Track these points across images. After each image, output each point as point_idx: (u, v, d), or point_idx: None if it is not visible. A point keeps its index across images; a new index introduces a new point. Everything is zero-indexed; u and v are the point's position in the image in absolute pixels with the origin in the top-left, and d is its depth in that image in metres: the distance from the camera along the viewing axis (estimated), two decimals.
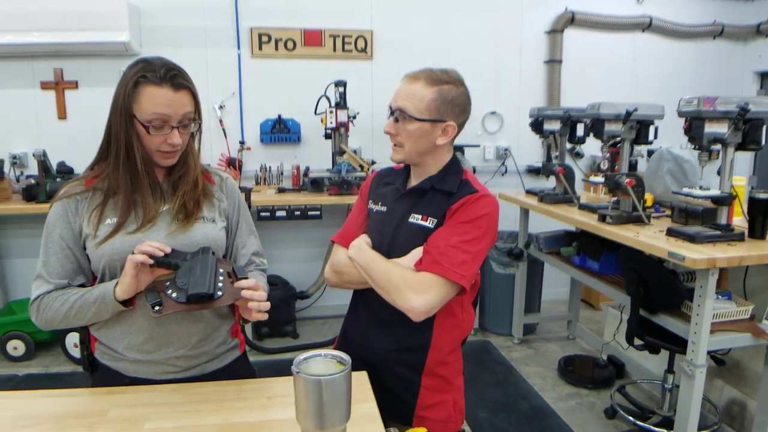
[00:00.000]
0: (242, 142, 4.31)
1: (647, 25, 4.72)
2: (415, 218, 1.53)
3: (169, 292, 1.26)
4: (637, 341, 2.80)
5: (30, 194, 3.63)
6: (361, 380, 1.42)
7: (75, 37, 3.73)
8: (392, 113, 1.52)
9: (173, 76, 1.38)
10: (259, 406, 1.35)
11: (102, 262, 1.41)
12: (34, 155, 3.65)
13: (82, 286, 1.44)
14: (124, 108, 1.37)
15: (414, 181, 1.61)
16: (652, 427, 2.88)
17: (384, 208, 1.63)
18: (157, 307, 1.25)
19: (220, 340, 1.57)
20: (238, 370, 1.61)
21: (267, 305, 1.35)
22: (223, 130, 4.29)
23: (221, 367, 1.58)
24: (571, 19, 4.56)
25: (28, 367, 3.71)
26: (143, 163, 1.42)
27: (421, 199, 1.56)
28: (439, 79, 1.48)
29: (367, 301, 1.60)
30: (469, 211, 1.48)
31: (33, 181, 3.70)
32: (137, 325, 1.45)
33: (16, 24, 3.67)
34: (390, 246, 1.54)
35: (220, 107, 4.27)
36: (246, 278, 1.34)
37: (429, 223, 1.51)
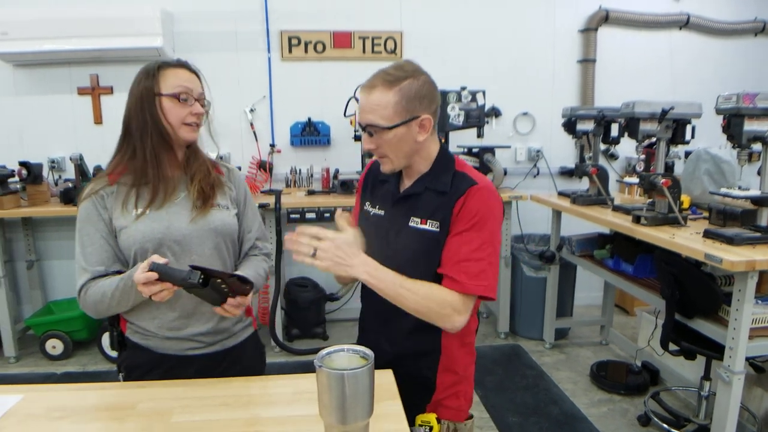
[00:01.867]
0: (272, 145, 4.35)
1: (684, 23, 4.61)
2: (415, 222, 1.51)
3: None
4: (673, 347, 2.73)
5: (67, 197, 3.71)
6: (386, 378, 1.41)
7: (110, 43, 3.81)
8: (364, 130, 1.47)
9: (185, 63, 1.58)
10: (284, 401, 1.35)
11: (133, 248, 1.51)
12: (71, 159, 3.75)
13: (119, 273, 1.51)
14: (147, 92, 1.51)
15: (407, 182, 1.58)
16: None
17: (382, 212, 1.61)
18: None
19: (237, 318, 1.67)
20: (252, 345, 1.77)
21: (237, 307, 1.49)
22: (254, 133, 4.33)
23: (237, 343, 1.69)
24: (606, 18, 4.49)
25: (65, 365, 3.80)
26: (155, 152, 1.53)
27: (417, 202, 1.52)
28: (396, 78, 1.42)
29: (376, 307, 1.59)
30: (474, 205, 1.44)
31: (70, 185, 3.81)
32: (166, 305, 1.53)
33: (54, 31, 3.76)
34: (394, 252, 1.50)
35: (251, 110, 4.32)
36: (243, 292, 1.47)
37: (431, 226, 1.48)
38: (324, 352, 1.08)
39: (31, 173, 3.69)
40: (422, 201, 1.51)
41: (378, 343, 1.54)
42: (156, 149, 1.53)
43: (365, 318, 1.73)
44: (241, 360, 1.68)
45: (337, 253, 1.37)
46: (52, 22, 3.76)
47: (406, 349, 1.57)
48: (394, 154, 1.47)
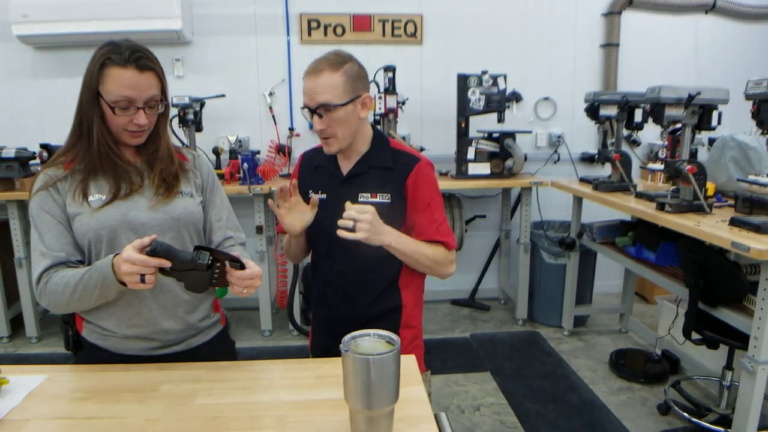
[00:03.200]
0: (291, 129, 4.33)
1: (711, 7, 4.51)
2: (365, 197, 1.68)
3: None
4: (695, 336, 2.70)
5: None
6: (409, 363, 1.40)
7: (130, 25, 3.80)
8: (313, 112, 1.59)
9: (138, 58, 1.39)
10: (307, 385, 1.35)
11: (87, 236, 1.43)
12: None
13: (80, 263, 1.45)
14: (91, 88, 1.41)
15: (345, 163, 1.73)
16: (708, 425, 2.77)
17: (324, 195, 1.73)
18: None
19: (203, 313, 1.60)
20: (222, 343, 1.68)
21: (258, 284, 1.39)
22: (273, 116, 4.32)
23: (206, 341, 1.62)
24: (630, 1, 4.39)
25: None
26: (106, 141, 1.44)
27: (363, 180, 1.69)
28: (338, 61, 1.57)
29: (338, 280, 1.75)
30: (425, 183, 1.69)
31: None
32: (124, 299, 1.46)
33: (74, 14, 3.77)
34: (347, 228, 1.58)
35: (270, 94, 4.30)
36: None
37: (381, 198, 1.68)
38: (349, 336, 1.07)
39: (52, 155, 3.70)
40: (368, 178, 1.69)
41: (339, 312, 1.75)
42: (108, 143, 1.44)
43: (324, 293, 1.81)
44: (210, 359, 1.52)
45: (374, 224, 1.51)
46: (72, 4, 3.76)
47: (369, 313, 1.72)
48: (342, 132, 1.61)
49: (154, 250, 1.24)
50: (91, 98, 1.41)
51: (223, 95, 4.05)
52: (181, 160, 1.60)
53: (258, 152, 4.06)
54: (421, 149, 4.12)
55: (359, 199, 1.66)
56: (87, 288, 1.35)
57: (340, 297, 1.75)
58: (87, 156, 1.45)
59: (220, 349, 1.64)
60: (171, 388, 1.34)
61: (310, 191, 1.75)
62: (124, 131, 1.44)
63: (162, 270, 1.27)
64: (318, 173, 1.78)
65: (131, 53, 1.39)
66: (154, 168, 1.51)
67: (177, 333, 1.54)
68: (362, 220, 1.48)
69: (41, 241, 1.42)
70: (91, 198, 1.44)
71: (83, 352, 1.55)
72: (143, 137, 1.49)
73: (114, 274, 1.30)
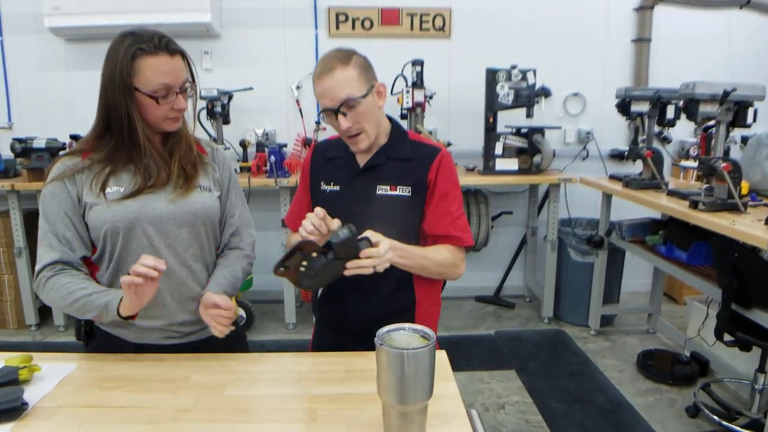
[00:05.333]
0: (318, 122, 4.33)
1: (746, 2, 4.39)
2: (383, 190, 1.62)
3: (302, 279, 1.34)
4: (727, 337, 2.63)
5: None
6: (442, 359, 1.39)
7: (159, 18, 3.81)
8: (337, 112, 1.52)
9: (167, 43, 1.38)
10: (336, 379, 1.34)
11: (104, 227, 1.41)
12: None
13: (84, 258, 1.46)
14: (123, 83, 1.36)
15: (363, 155, 1.66)
16: (739, 429, 2.71)
17: (337, 188, 1.67)
18: (281, 268, 1.31)
19: None
20: (232, 335, 1.60)
21: (228, 319, 1.41)
22: (300, 110, 4.32)
23: None
24: None
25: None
26: (147, 137, 1.43)
27: (382, 172, 1.63)
28: (344, 56, 1.52)
29: (352, 281, 1.59)
30: (445, 173, 1.63)
31: None
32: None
33: (104, 7, 3.80)
34: (363, 221, 1.51)
35: (297, 87, 4.30)
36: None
37: (401, 191, 1.61)
38: (384, 330, 1.06)
39: None
40: (387, 170, 1.63)
41: (353, 308, 1.68)
42: (149, 137, 1.43)
43: (336, 290, 1.74)
44: (222, 351, 1.52)
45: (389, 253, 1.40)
46: None
47: (384, 310, 1.63)
48: (369, 125, 1.56)
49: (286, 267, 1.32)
50: (124, 94, 1.37)
51: (250, 88, 4.06)
52: (201, 153, 1.58)
53: (285, 145, 4.06)
54: (449, 144, 4.08)
55: (377, 192, 1.62)
56: (87, 305, 1.35)
57: (353, 294, 1.69)
58: (115, 150, 1.43)
59: (232, 340, 1.57)
60: (201, 379, 1.34)
61: (322, 182, 1.70)
62: (165, 119, 1.43)
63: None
64: (332, 164, 1.71)
65: (159, 39, 1.37)
66: (173, 156, 1.49)
67: (189, 325, 1.55)
68: (383, 258, 1.37)
69: (50, 232, 1.41)
70: (108, 190, 1.42)
71: (96, 342, 1.56)
72: (180, 121, 1.49)
73: (117, 312, 1.32)
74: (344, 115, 1.52)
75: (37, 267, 1.42)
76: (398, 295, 1.67)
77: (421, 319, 1.70)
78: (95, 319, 1.42)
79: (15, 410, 1.16)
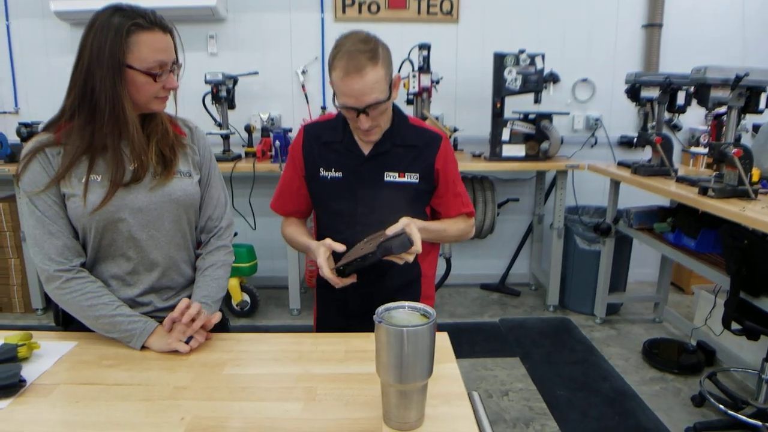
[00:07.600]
0: (324, 108, 4.30)
1: None
2: (392, 176, 1.62)
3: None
4: (734, 326, 2.60)
5: None
6: (443, 340, 1.37)
7: (165, 2, 3.77)
8: (360, 113, 1.49)
9: (160, 19, 1.33)
10: (336, 359, 1.32)
11: (82, 220, 1.37)
12: None
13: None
14: (114, 60, 1.28)
15: (364, 142, 1.63)
16: (745, 418, 2.68)
17: (339, 174, 1.64)
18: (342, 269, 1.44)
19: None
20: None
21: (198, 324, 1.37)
22: (305, 95, 4.29)
23: None
24: None
25: None
26: (133, 118, 1.35)
27: (388, 158, 1.62)
28: (371, 50, 1.44)
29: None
30: (450, 159, 1.69)
31: None
32: (121, 281, 1.46)
33: None
34: (371, 208, 1.55)
35: (303, 72, 4.27)
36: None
37: (409, 178, 1.63)
38: (383, 308, 1.04)
39: None
40: (393, 157, 1.62)
41: (359, 292, 1.64)
42: (122, 120, 1.32)
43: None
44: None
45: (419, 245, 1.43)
46: None
47: (391, 286, 1.69)
48: (384, 120, 1.58)
49: (342, 271, 1.44)
50: (113, 72, 1.28)
51: (256, 72, 4.03)
52: (179, 134, 1.50)
53: (290, 130, 4.04)
54: (455, 129, 4.05)
55: (386, 179, 1.61)
56: (110, 325, 1.36)
57: (359, 279, 1.65)
58: (92, 136, 1.34)
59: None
60: (200, 357, 1.33)
61: (322, 169, 1.66)
62: (155, 99, 1.37)
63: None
64: (330, 150, 1.66)
65: (153, 15, 1.31)
66: (150, 140, 1.41)
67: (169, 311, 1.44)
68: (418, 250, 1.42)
69: (48, 233, 1.36)
70: (84, 179, 1.35)
71: (74, 326, 1.48)
72: (166, 102, 1.43)
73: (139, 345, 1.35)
74: (367, 115, 1.50)
75: (48, 270, 1.36)
76: (406, 270, 1.64)
77: (426, 290, 1.80)
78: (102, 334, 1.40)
79: (12, 386, 1.15)
